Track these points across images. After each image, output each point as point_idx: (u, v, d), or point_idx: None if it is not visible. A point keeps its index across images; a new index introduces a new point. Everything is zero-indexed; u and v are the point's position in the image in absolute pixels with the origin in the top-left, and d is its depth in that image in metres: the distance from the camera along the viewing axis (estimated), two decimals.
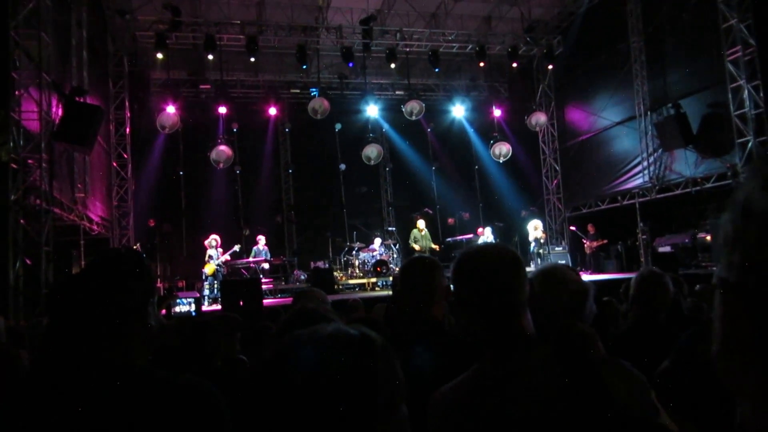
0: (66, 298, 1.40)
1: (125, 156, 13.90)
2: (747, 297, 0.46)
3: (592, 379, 1.26)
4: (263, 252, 13.40)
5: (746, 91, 10.48)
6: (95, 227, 11.93)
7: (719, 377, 0.52)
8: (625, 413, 1.24)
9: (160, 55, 13.46)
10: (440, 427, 1.31)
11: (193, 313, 4.11)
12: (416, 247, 13.94)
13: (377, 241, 14.65)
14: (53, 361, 1.54)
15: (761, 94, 10.33)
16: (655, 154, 13.26)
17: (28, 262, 8.14)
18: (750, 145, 10.48)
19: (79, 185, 10.88)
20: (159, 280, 13.18)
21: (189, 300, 4.37)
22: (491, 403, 1.25)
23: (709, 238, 11.93)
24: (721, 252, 0.50)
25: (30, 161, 8.51)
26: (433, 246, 14.12)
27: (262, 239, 13.56)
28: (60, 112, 9.23)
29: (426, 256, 2.49)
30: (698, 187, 12.03)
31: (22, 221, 8.14)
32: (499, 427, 1.23)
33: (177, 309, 4.20)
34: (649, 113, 13.40)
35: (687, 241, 12.79)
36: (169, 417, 1.27)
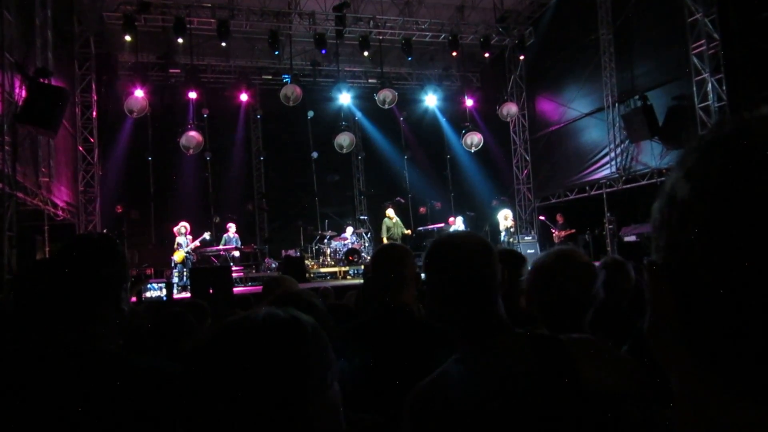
0: (38, 282, 1.39)
1: (92, 140, 13.58)
2: (671, 276, 0.50)
3: (561, 360, 1.30)
4: (233, 240, 13.29)
5: (710, 84, 10.75)
6: (60, 213, 11.66)
7: (653, 353, 0.57)
8: (593, 392, 1.27)
9: (128, 38, 13.14)
10: (423, 420, 1.32)
11: (164, 298, 4.08)
12: (385, 239, 13.90)
13: (349, 229, 14.66)
14: (22, 343, 1.53)
15: (724, 87, 10.60)
16: (623, 146, 13.52)
17: None
18: (725, 120, 10.74)
19: (43, 169, 10.60)
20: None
21: (160, 285, 4.33)
22: (471, 391, 1.28)
23: None
24: (652, 237, 0.55)
25: None
26: (406, 231, 14.17)
27: (232, 227, 13.43)
28: (23, 93, 8.98)
29: (397, 243, 2.55)
30: (663, 178, 12.18)
31: None
32: (481, 412, 1.25)
33: (148, 294, 4.16)
34: (617, 105, 13.64)
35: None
36: (138, 401, 1.28)
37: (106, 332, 1.39)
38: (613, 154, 13.79)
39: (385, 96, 15.18)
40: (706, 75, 10.81)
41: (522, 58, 16.33)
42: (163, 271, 13.17)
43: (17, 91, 8.97)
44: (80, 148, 13.37)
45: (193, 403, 0.88)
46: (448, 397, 1.30)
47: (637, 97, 12.53)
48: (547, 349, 1.33)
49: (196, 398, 0.87)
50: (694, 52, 11.01)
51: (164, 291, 4.07)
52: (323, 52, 14.73)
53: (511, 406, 1.24)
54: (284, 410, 0.83)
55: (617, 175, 13.66)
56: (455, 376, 1.33)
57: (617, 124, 13.60)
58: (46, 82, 9.09)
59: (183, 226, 12.48)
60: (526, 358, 1.30)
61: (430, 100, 16.91)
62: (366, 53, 15.00)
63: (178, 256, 12.23)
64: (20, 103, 8.85)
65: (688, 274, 0.48)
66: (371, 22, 14.85)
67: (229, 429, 0.83)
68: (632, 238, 13.16)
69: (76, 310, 1.36)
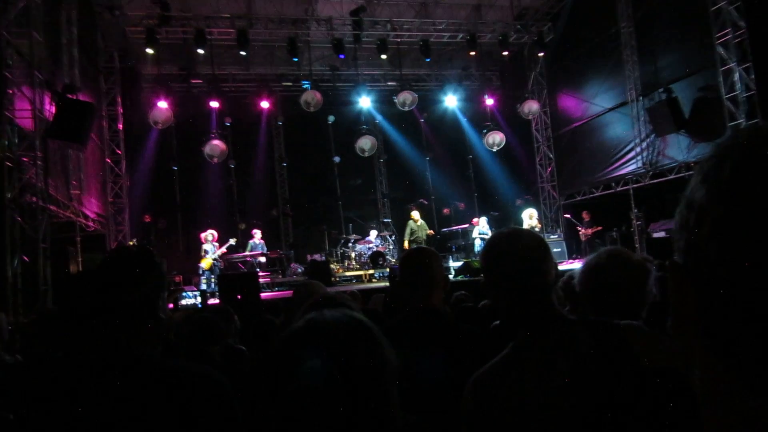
0: (80, 292, 1.44)
1: (119, 152, 13.87)
2: (691, 275, 0.53)
3: (618, 343, 1.37)
4: (259, 246, 13.43)
5: (737, 74, 10.52)
6: (91, 224, 11.93)
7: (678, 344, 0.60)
8: (650, 369, 1.33)
9: (150, 51, 13.39)
10: (482, 407, 1.36)
11: (199, 305, 4.16)
12: (406, 244, 13.85)
13: (373, 232, 14.69)
14: (67, 352, 1.58)
15: (752, 76, 10.37)
16: (648, 140, 13.31)
17: (25, 259, 8.15)
18: (742, 127, 10.54)
19: (74, 182, 10.86)
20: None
21: (195, 293, 4.42)
22: (533, 376, 1.33)
23: None
24: (674, 238, 0.58)
25: (25, 159, 8.50)
26: (429, 231, 14.14)
27: (257, 233, 13.58)
28: (53, 109, 9.21)
29: (424, 246, 2.56)
30: (691, 172, 12.01)
31: (18, 219, 8.14)
32: (543, 393, 1.30)
33: (183, 302, 4.25)
34: (640, 98, 13.44)
35: None
36: (183, 404, 1.32)
37: (145, 339, 1.43)
38: (638, 149, 13.58)
39: (405, 98, 15.20)
40: (732, 65, 10.59)
41: (541, 54, 16.21)
42: (191, 278, 13.38)
43: (47, 107, 9.22)
44: (108, 160, 13.66)
45: (271, 403, 0.91)
46: (509, 382, 1.35)
47: (661, 89, 12.32)
48: (603, 333, 1.39)
49: (280, 396, 0.91)
50: (719, 41, 10.79)
51: (199, 299, 4.16)
52: (342, 56, 14.81)
53: (572, 386, 1.30)
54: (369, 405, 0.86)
55: (644, 170, 13.44)
56: (515, 362, 1.39)
57: (642, 118, 13.40)
58: (73, 97, 9.32)
59: (210, 233, 12.65)
60: (584, 341, 1.37)
61: (450, 100, 16.87)
62: (384, 56, 15.04)
63: (205, 263, 12.39)
64: (50, 119, 9.09)
65: (706, 273, 0.51)
66: (388, 25, 14.88)
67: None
68: (661, 234, 12.94)
69: (117, 319, 1.41)
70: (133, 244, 12.74)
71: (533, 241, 1.51)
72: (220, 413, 1.35)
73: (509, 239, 1.52)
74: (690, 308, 0.53)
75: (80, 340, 1.49)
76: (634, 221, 13.59)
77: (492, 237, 1.59)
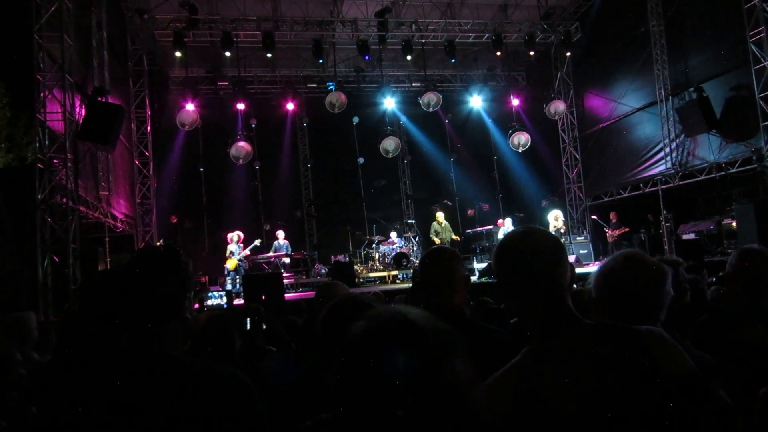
0: (107, 291, 1.45)
1: (147, 154, 14.10)
2: None
3: (638, 347, 1.33)
4: (284, 246, 13.51)
5: None
6: (119, 224, 12.14)
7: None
8: (670, 374, 1.30)
9: (178, 54, 13.59)
10: (498, 410, 1.33)
11: (225, 306, 4.19)
12: (437, 240, 13.94)
13: (396, 234, 14.68)
14: (94, 352, 1.59)
15: None
16: (678, 140, 13.05)
17: (55, 259, 8.32)
18: None
19: (103, 183, 11.07)
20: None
21: (221, 293, 4.45)
22: (550, 382, 1.30)
23: (734, 224, 11.73)
24: None
25: (55, 161, 8.68)
26: (454, 237, 14.10)
27: (281, 234, 13.67)
28: (83, 112, 9.40)
29: (445, 246, 2.52)
30: (723, 173, 11.82)
31: (49, 219, 8.31)
32: (560, 403, 1.27)
33: (209, 302, 4.29)
34: (670, 98, 13.18)
35: (712, 227, 12.60)
36: (207, 406, 1.31)
37: (171, 339, 1.43)
38: (668, 149, 13.32)
39: (430, 99, 15.14)
40: (766, 63, 10.32)
41: (569, 54, 16.01)
42: (217, 278, 13.52)
43: (77, 110, 9.40)
44: (136, 162, 13.90)
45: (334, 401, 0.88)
46: (524, 388, 1.32)
47: (691, 89, 12.07)
48: (621, 337, 1.36)
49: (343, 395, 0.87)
50: (752, 39, 10.52)
51: (224, 299, 4.20)
52: (366, 58, 14.82)
53: (591, 392, 1.26)
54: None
55: (673, 171, 13.18)
56: (530, 366, 1.36)
57: (671, 118, 13.14)
58: (103, 100, 9.49)
59: (237, 234, 12.77)
60: (601, 345, 1.33)
61: (475, 101, 16.76)
62: (409, 57, 15.01)
63: (230, 263, 12.51)
64: (80, 121, 9.27)
65: None
66: (413, 26, 14.85)
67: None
68: (691, 236, 12.67)
69: (142, 319, 1.41)
70: (160, 244, 12.93)
71: (546, 241, 1.45)
72: (244, 415, 1.34)
73: (521, 240, 1.47)
74: None
75: (106, 340, 1.49)
76: (663, 222, 13.33)
77: (504, 237, 1.53)
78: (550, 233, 1.54)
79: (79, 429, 1.30)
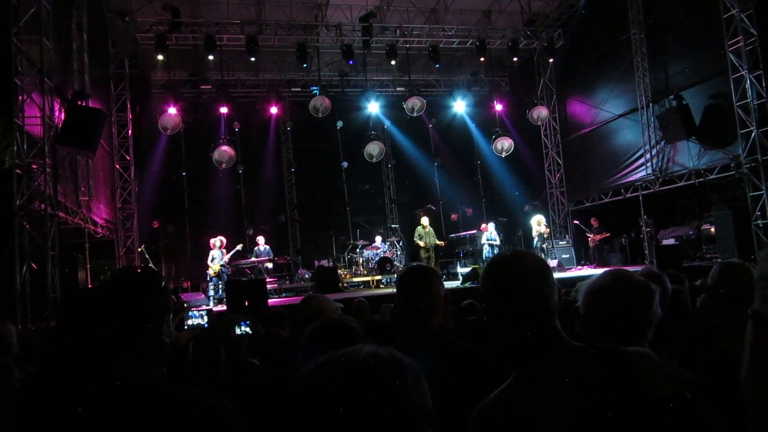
0: (81, 316, 1.42)
1: (128, 158, 13.93)
2: None
3: (628, 370, 1.33)
4: (264, 252, 13.43)
5: (748, 81, 10.43)
6: (100, 230, 11.97)
7: (745, 400, 0.57)
8: (659, 396, 1.30)
9: (160, 57, 13.46)
10: None
11: (206, 326, 4.13)
12: (421, 243, 13.96)
13: (380, 238, 14.68)
14: (68, 376, 1.56)
15: (764, 84, 10.27)
16: (658, 147, 13.23)
17: (34, 266, 8.18)
18: (753, 135, 10.45)
19: (83, 188, 10.91)
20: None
21: (201, 312, 4.39)
22: (541, 407, 1.29)
23: (713, 229, 11.91)
24: (758, 286, 0.55)
25: (34, 166, 8.53)
26: (438, 242, 14.12)
27: (261, 239, 13.61)
28: (62, 116, 9.25)
29: (423, 264, 2.46)
30: (701, 179, 12.00)
31: (27, 226, 8.17)
32: (551, 424, 1.26)
33: (189, 322, 4.22)
34: (651, 105, 13.36)
35: (691, 233, 12.79)
36: (183, 430, 1.29)
37: (149, 363, 1.41)
38: (648, 156, 13.50)
39: (414, 104, 15.18)
40: (744, 72, 10.50)
41: (551, 61, 16.16)
42: (199, 283, 13.40)
43: (57, 114, 9.26)
44: (117, 166, 13.73)
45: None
46: (514, 413, 1.31)
47: (672, 96, 12.25)
48: (611, 359, 1.36)
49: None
50: (730, 49, 10.71)
51: (205, 318, 4.13)
52: (351, 62, 14.81)
53: (582, 416, 1.26)
54: None
55: (653, 177, 13.35)
56: (520, 392, 1.35)
57: (652, 125, 13.32)
58: (83, 104, 9.37)
59: (219, 240, 12.65)
60: (592, 370, 1.33)
61: (459, 106, 16.84)
62: (393, 62, 15.04)
63: (213, 269, 12.40)
64: (59, 125, 9.13)
65: None
66: (398, 31, 14.88)
67: None
68: (671, 241, 12.85)
69: (121, 341, 1.39)
70: (141, 250, 12.77)
71: (535, 265, 1.45)
72: None
73: (509, 264, 1.47)
74: None
75: (83, 361, 1.46)
76: (644, 228, 13.49)
77: (491, 262, 1.53)
78: (537, 256, 1.54)
79: None
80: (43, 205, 8.49)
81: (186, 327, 4.20)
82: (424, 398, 0.91)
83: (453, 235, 15.80)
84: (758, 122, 10.39)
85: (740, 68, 10.59)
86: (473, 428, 1.35)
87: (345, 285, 13.48)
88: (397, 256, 14.24)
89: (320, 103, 14.50)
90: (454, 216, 16.85)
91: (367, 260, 14.21)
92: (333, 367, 0.91)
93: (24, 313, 7.74)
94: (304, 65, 14.77)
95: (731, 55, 10.72)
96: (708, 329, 2.49)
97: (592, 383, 1.30)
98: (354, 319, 1.99)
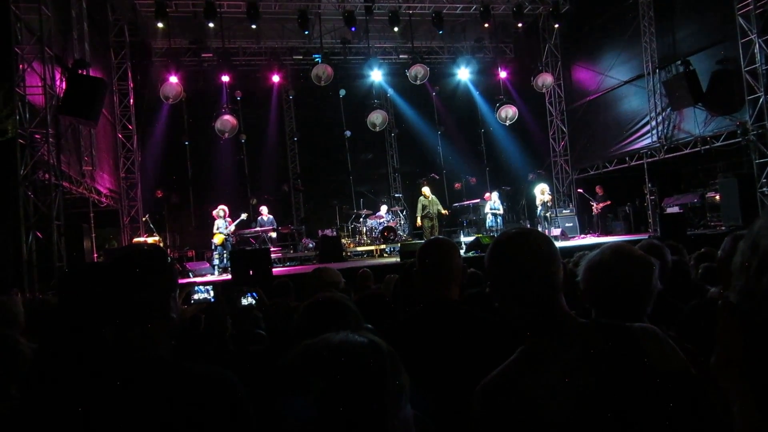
0: (89, 293, 1.44)
1: (130, 127, 13.90)
2: (743, 318, 0.52)
3: (633, 346, 1.34)
4: (267, 221, 13.47)
5: (757, 46, 10.26)
6: (104, 199, 12.02)
7: (718, 382, 0.59)
8: (665, 373, 1.32)
9: (160, 24, 13.28)
10: (492, 415, 1.35)
11: (212, 300, 4.21)
12: (423, 222, 13.69)
13: (384, 207, 14.68)
14: (76, 352, 1.58)
15: None
16: (664, 113, 13.09)
17: (39, 235, 8.24)
18: (761, 101, 10.33)
19: (86, 158, 10.91)
20: (169, 249, 13.32)
21: (207, 287, 4.46)
22: (545, 383, 1.31)
23: (718, 197, 11.88)
24: (734, 275, 0.56)
25: (37, 136, 8.52)
26: (442, 211, 14.06)
27: (264, 209, 13.63)
28: (64, 85, 9.19)
29: (443, 238, 2.53)
30: (707, 146, 11.91)
31: (32, 196, 8.20)
32: (556, 403, 1.28)
33: (196, 296, 4.30)
34: (657, 71, 13.18)
35: (696, 200, 12.76)
36: (193, 406, 1.32)
37: (156, 339, 1.43)
38: (654, 123, 13.37)
39: (417, 71, 15.00)
40: (753, 36, 10.32)
41: (557, 26, 15.87)
42: (204, 253, 13.50)
43: (58, 83, 9.19)
44: (119, 136, 13.70)
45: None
46: (517, 390, 1.33)
47: (678, 62, 12.06)
48: (615, 335, 1.37)
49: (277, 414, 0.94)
50: (740, 12, 10.51)
51: (212, 293, 4.21)
52: (353, 29, 14.59)
53: (587, 392, 1.28)
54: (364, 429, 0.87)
55: (658, 145, 13.25)
56: (523, 369, 1.37)
57: (658, 92, 13.16)
58: (84, 73, 9.28)
59: (222, 209, 12.67)
60: (595, 344, 1.34)
61: (463, 73, 16.63)
62: (396, 28, 14.79)
63: (217, 238, 12.46)
64: (61, 94, 9.07)
65: (758, 320, 0.50)
66: None
67: None
68: (675, 209, 12.83)
69: (128, 319, 1.41)
70: (145, 219, 12.83)
71: (540, 242, 1.46)
72: (231, 416, 1.35)
73: (515, 241, 1.47)
74: (737, 348, 0.53)
75: (91, 338, 1.49)
76: (648, 196, 13.45)
77: (497, 239, 1.53)
78: (543, 233, 1.54)
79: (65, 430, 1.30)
80: (47, 175, 8.51)
81: (192, 301, 4.26)
82: (400, 376, 0.95)
83: (456, 204, 15.80)
84: (766, 88, 10.26)
85: (749, 32, 10.40)
86: (477, 405, 1.38)
87: (349, 254, 13.55)
88: (400, 225, 14.26)
89: (322, 71, 14.34)
90: (457, 185, 16.82)
91: (371, 229, 14.26)
92: (312, 353, 0.95)
93: (31, 281, 7.83)
94: (306, 32, 14.55)
95: (740, 19, 10.52)
96: (714, 303, 2.47)
97: (597, 360, 1.32)
98: (347, 297, 2.02)
